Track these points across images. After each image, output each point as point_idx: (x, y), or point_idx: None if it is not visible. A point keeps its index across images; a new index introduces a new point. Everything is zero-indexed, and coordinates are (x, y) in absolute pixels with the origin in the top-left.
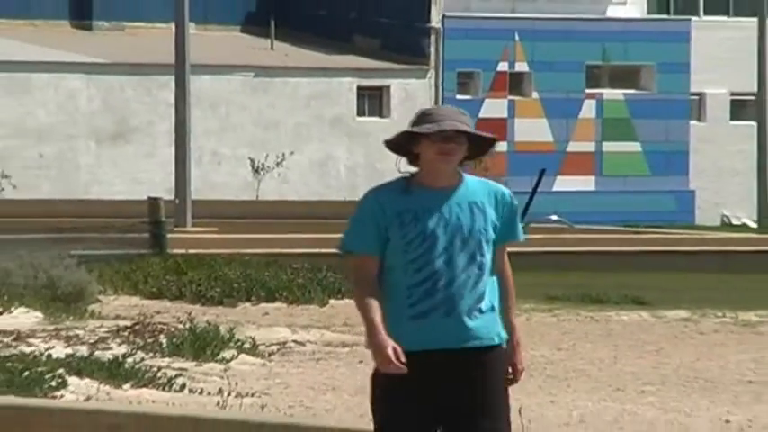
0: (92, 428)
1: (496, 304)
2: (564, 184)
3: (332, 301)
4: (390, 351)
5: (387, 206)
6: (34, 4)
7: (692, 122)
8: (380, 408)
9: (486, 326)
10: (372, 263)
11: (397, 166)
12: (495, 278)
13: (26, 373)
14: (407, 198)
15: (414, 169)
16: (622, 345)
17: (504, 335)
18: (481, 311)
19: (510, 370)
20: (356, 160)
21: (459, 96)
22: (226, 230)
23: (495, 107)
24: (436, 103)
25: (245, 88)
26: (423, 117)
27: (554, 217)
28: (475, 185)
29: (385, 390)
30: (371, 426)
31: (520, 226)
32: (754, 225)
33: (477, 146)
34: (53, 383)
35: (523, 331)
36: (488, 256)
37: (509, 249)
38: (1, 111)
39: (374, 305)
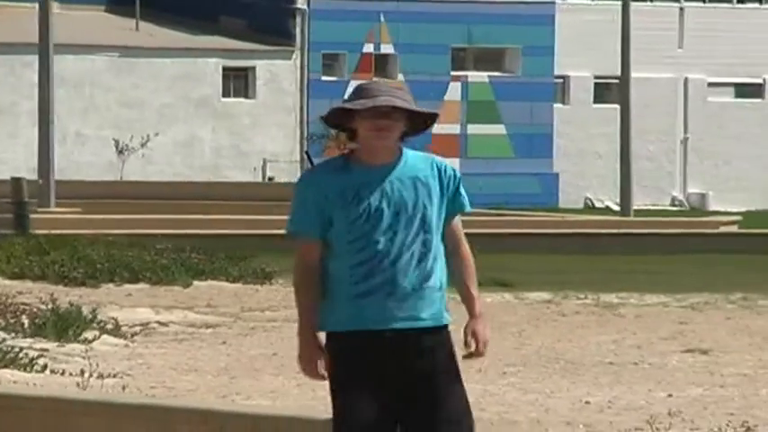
0: None
1: (445, 283)
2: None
3: (195, 282)
4: (313, 357)
5: (326, 186)
6: None
7: (556, 105)
8: (336, 392)
9: (430, 307)
10: (315, 246)
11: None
12: (443, 258)
13: None
14: (347, 176)
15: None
16: None
17: (449, 318)
18: (427, 291)
19: (472, 343)
20: (221, 141)
21: (324, 77)
22: (89, 211)
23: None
24: (301, 84)
25: (110, 68)
26: (359, 92)
27: None
28: (416, 160)
29: (336, 375)
30: (233, 407)
31: (465, 196)
32: (616, 207)
33: (417, 121)
34: None
35: None
36: (435, 233)
37: None
38: None
39: (308, 298)
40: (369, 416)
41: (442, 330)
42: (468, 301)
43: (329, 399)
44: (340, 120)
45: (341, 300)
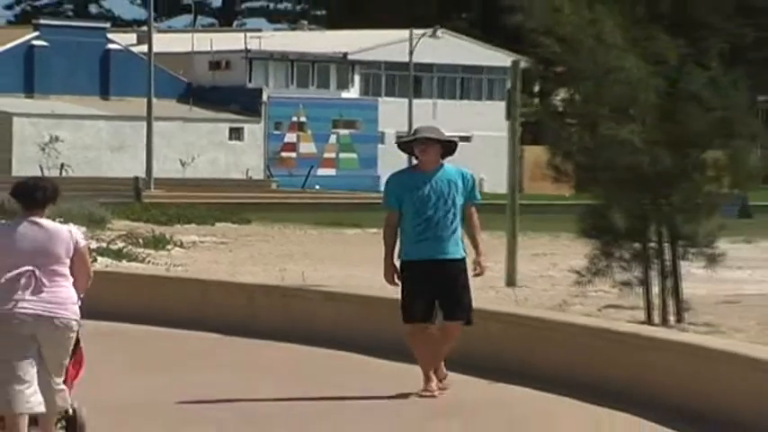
0: (110, 282)
1: (461, 235)
2: (322, 172)
3: (217, 224)
4: (391, 274)
5: (402, 180)
6: (80, 85)
7: (379, 145)
8: (403, 292)
9: (455, 247)
10: (395, 214)
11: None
12: (461, 222)
13: None
14: (413, 177)
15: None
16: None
17: (464, 254)
18: (453, 239)
19: (477, 268)
20: (228, 160)
21: (275, 132)
22: (169, 191)
23: (292, 138)
24: (265, 136)
25: (178, 128)
26: (414, 132)
27: (317, 187)
28: (450, 170)
29: (405, 283)
30: (233, 279)
31: (477, 191)
32: None
33: (447, 147)
34: (92, 260)
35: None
36: (458, 208)
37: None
38: (68, 137)
39: (390, 242)
40: (420, 301)
41: (461, 260)
42: (475, 245)
43: (398, 293)
44: (406, 148)
45: (408, 243)
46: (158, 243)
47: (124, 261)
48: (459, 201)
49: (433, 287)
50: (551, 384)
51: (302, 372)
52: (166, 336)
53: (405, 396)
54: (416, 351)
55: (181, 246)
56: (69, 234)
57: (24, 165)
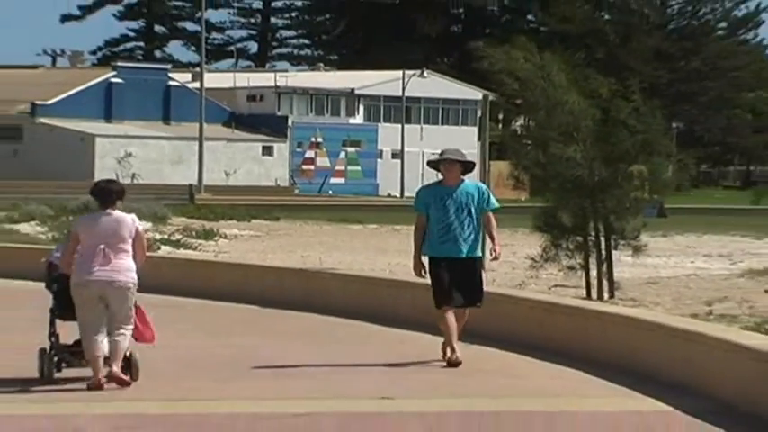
0: (170, 265)
1: (480, 239)
2: (334, 181)
3: (253, 221)
4: (419, 270)
5: (429, 192)
6: (147, 113)
7: (378, 160)
8: (433, 281)
9: (473, 248)
10: (423, 218)
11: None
12: (480, 226)
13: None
14: (438, 189)
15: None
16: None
17: (480, 254)
18: (471, 241)
19: (493, 253)
20: (260, 172)
21: (297, 149)
22: (215, 195)
23: (310, 154)
24: (290, 153)
25: (224, 146)
26: (441, 153)
27: (330, 192)
28: (468, 184)
29: (433, 275)
30: (267, 263)
31: (493, 200)
32: (398, 195)
33: (466, 166)
34: (155, 248)
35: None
36: (475, 215)
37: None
38: (139, 152)
39: (418, 241)
40: (447, 288)
41: (477, 258)
42: (491, 238)
43: (429, 283)
44: (435, 166)
45: (433, 243)
46: (208, 235)
47: (181, 249)
48: (476, 208)
49: (453, 278)
50: (513, 345)
51: (322, 336)
52: (216, 307)
53: (400, 359)
54: (444, 328)
55: (225, 237)
56: (132, 221)
57: (103, 174)
